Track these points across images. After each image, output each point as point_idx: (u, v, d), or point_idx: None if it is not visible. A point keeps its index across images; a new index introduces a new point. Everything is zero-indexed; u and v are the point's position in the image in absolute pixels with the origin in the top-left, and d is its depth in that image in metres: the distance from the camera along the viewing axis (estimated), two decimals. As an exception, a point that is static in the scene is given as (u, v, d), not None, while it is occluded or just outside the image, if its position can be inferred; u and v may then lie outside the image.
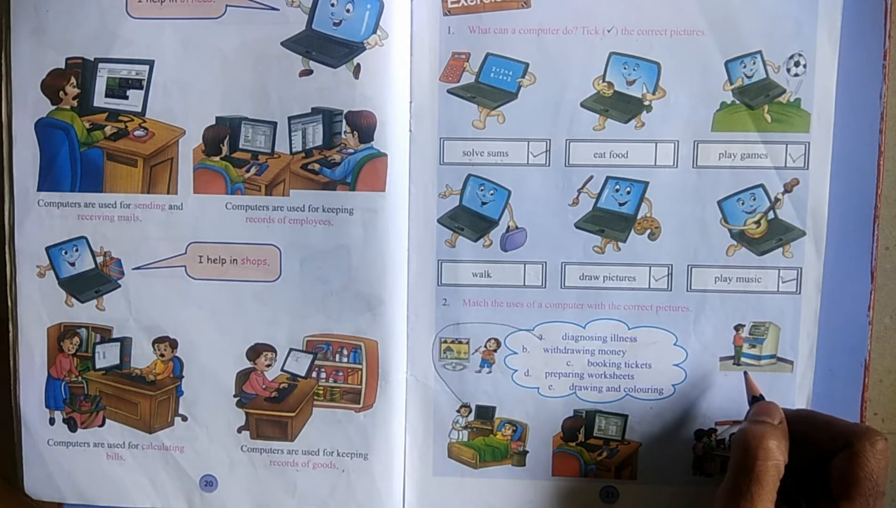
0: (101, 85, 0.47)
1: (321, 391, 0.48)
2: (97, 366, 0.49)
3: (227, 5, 0.46)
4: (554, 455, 0.48)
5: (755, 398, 0.45)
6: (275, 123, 0.46)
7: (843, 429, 0.40)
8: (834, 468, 0.39)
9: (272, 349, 0.48)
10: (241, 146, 0.47)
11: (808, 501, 0.40)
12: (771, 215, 0.46)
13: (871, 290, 0.46)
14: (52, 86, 0.47)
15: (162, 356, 0.48)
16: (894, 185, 0.47)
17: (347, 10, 0.45)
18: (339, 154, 0.46)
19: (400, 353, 0.48)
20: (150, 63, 0.47)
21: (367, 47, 0.45)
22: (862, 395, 0.47)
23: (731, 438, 0.43)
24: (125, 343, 0.49)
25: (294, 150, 0.46)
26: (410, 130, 0.47)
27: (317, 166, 0.46)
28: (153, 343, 0.48)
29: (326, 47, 0.45)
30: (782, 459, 0.39)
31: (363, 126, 0.46)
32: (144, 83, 0.47)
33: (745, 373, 0.46)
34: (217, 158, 0.47)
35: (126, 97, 0.47)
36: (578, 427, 0.48)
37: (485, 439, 0.48)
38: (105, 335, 0.49)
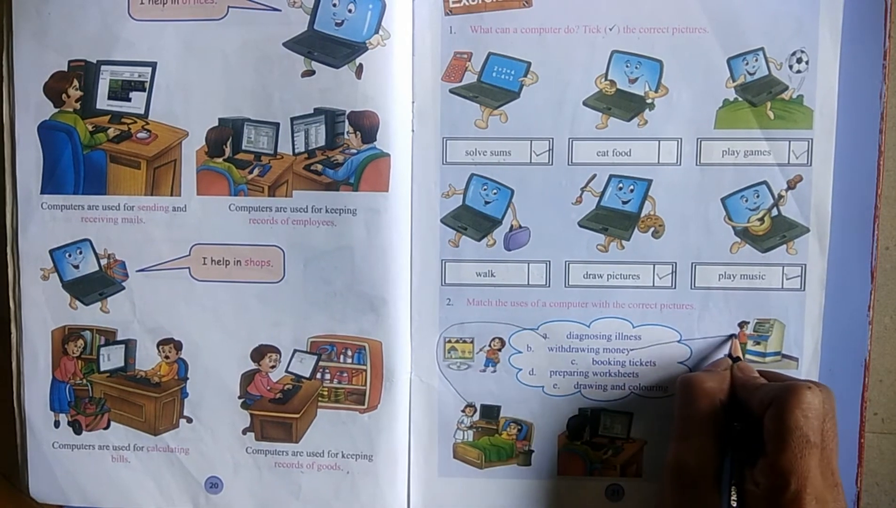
0: (103, 87, 0.47)
1: (325, 393, 0.48)
2: (102, 368, 0.49)
3: (228, 6, 0.46)
4: (559, 454, 0.48)
5: (734, 359, 0.46)
6: (277, 124, 0.46)
7: (775, 387, 0.41)
8: (765, 423, 0.39)
9: (276, 351, 0.48)
10: (243, 147, 0.47)
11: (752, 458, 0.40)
12: (774, 212, 0.46)
13: (871, 290, 0.47)
14: (54, 88, 0.47)
15: (166, 357, 0.48)
16: (894, 185, 0.47)
17: (349, 11, 0.45)
18: (341, 155, 0.46)
19: (404, 353, 0.48)
20: (153, 65, 0.47)
21: (369, 47, 0.45)
22: (862, 395, 0.47)
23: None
24: (130, 345, 0.49)
25: (297, 151, 0.47)
26: (413, 130, 0.47)
27: (319, 167, 0.46)
28: (158, 345, 0.48)
29: (328, 48, 0.45)
30: (718, 401, 0.42)
31: (366, 126, 0.46)
32: (147, 85, 0.47)
33: (734, 337, 0.47)
34: (220, 160, 0.47)
35: (129, 99, 0.47)
36: (583, 426, 0.48)
37: (490, 438, 0.48)
38: (109, 337, 0.49)
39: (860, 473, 0.48)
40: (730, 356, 0.46)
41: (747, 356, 0.47)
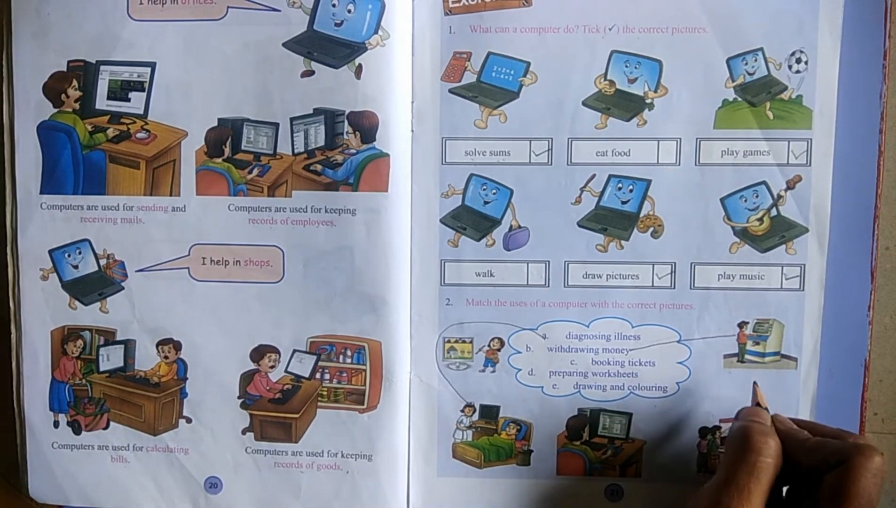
0: (102, 87, 0.47)
1: (325, 393, 0.48)
2: (101, 369, 0.49)
3: (228, 7, 0.46)
4: (559, 454, 0.48)
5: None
6: (277, 124, 0.46)
7: (838, 446, 0.39)
8: (826, 483, 0.38)
9: (276, 351, 0.48)
10: (243, 148, 0.47)
11: None
12: (774, 212, 0.46)
13: (871, 290, 0.47)
14: (54, 89, 0.47)
15: (166, 358, 0.48)
16: (894, 185, 0.47)
17: (349, 11, 0.45)
18: (341, 155, 0.46)
19: (404, 353, 0.48)
20: (152, 65, 0.47)
21: (368, 48, 0.45)
22: (862, 395, 0.47)
23: (729, 431, 0.42)
24: (129, 346, 0.49)
25: (296, 151, 0.47)
26: (412, 131, 0.47)
27: (319, 167, 0.46)
28: (157, 345, 0.48)
29: (328, 48, 0.45)
30: (778, 460, 0.39)
31: (365, 126, 0.46)
32: (146, 85, 0.47)
33: (755, 384, 0.46)
34: (219, 160, 0.47)
35: (128, 99, 0.47)
36: (583, 426, 0.48)
37: (489, 438, 0.48)
38: (109, 337, 0.49)
39: None
40: (758, 405, 0.45)
41: (746, 357, 0.47)
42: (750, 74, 0.45)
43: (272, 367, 0.48)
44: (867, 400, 0.47)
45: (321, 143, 0.46)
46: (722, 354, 0.47)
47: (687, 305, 0.47)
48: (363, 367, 0.48)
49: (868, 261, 0.46)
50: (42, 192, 0.48)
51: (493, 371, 0.48)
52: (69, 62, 0.47)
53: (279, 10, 0.46)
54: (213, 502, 0.49)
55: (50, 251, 0.48)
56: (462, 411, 0.48)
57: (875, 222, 0.46)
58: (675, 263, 0.47)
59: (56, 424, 0.49)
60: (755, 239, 0.46)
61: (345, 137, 0.46)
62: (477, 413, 0.48)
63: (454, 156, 0.47)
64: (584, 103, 0.46)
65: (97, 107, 0.47)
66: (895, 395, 0.49)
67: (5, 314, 0.49)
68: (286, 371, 0.48)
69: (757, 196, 0.46)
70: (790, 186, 0.46)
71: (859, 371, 0.47)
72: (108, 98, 0.47)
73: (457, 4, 0.46)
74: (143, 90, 0.47)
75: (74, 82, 0.47)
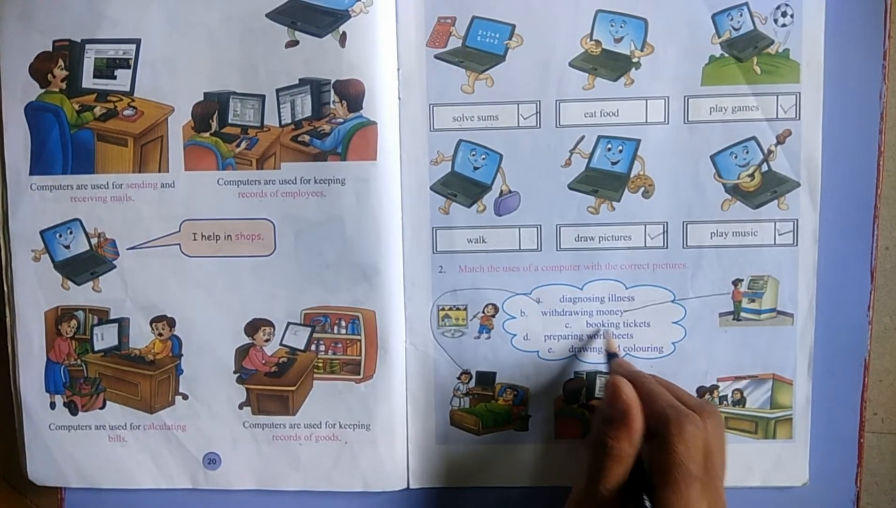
0: (88, 66, 0.47)
1: (321, 364, 0.48)
2: (96, 348, 0.49)
3: (210, -21, 0.46)
4: (556, 418, 0.48)
5: (611, 355, 0.45)
6: (263, 96, 0.46)
7: (657, 412, 0.39)
8: (647, 455, 0.38)
9: (270, 324, 0.48)
10: (230, 121, 0.47)
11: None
12: (764, 168, 0.46)
13: (871, 290, 0.47)
14: (40, 69, 0.47)
15: (160, 335, 0.48)
16: (894, 185, 0.47)
17: (331, -22, 0.45)
18: (328, 124, 0.46)
19: (398, 322, 0.47)
20: (137, 42, 0.47)
21: (352, 15, 0.45)
22: (862, 395, 0.47)
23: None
24: (123, 324, 0.48)
25: (283, 122, 0.46)
26: (399, 98, 0.46)
27: (307, 138, 0.46)
28: (151, 323, 0.48)
29: (311, 17, 0.45)
30: (630, 450, 0.39)
31: (351, 95, 0.46)
32: (132, 62, 0.47)
33: (606, 332, 0.47)
34: (207, 135, 0.47)
35: (114, 77, 0.47)
36: (580, 389, 0.48)
37: (486, 405, 0.48)
38: (102, 316, 0.48)
39: (860, 473, 0.48)
40: (607, 352, 0.45)
41: (742, 314, 0.47)
42: (736, 30, 0.45)
43: (267, 340, 0.48)
44: (867, 400, 0.47)
45: (308, 113, 0.46)
46: (717, 312, 0.47)
47: (680, 264, 0.47)
48: (358, 337, 0.47)
49: (868, 261, 0.46)
50: (31, 173, 0.48)
51: (489, 338, 0.48)
52: (55, 42, 0.47)
53: (261, -19, 0.45)
54: (212, 478, 0.49)
55: (41, 232, 0.48)
56: (458, 378, 0.48)
57: (875, 223, 0.46)
58: (666, 222, 0.47)
59: (52, 405, 0.49)
60: (747, 195, 0.46)
61: (331, 106, 0.46)
62: (473, 380, 0.48)
63: (442, 122, 0.47)
64: (570, 64, 0.46)
65: (84, 86, 0.47)
66: (895, 395, 0.48)
67: (-2, 297, 0.49)
68: (281, 344, 0.48)
69: (747, 152, 0.46)
70: (780, 140, 0.46)
71: (859, 371, 0.47)
72: (95, 77, 0.47)
73: (439, -31, 0.45)
74: (128, 67, 0.47)
75: (60, 62, 0.47)
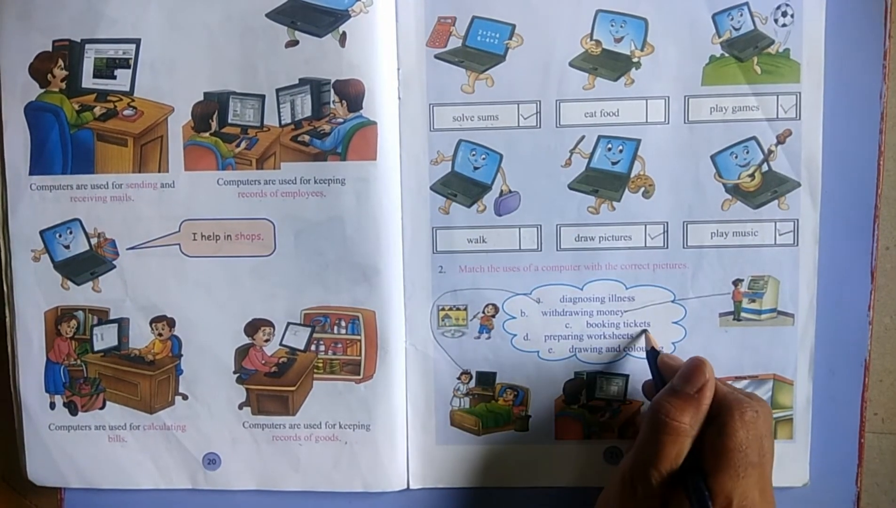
0: (88, 66, 0.47)
1: (321, 364, 0.48)
2: (95, 348, 0.49)
3: (210, -21, 0.46)
4: (556, 419, 0.48)
5: (652, 352, 0.45)
6: (263, 96, 0.46)
7: (718, 397, 0.39)
8: (704, 440, 0.38)
9: (270, 324, 0.48)
10: (230, 121, 0.47)
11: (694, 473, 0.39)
12: (765, 168, 0.46)
13: (871, 290, 0.46)
14: (40, 69, 0.47)
15: (160, 335, 0.48)
16: (894, 185, 0.47)
17: (331, -23, 0.45)
18: (328, 124, 0.46)
19: (398, 322, 0.47)
20: (137, 42, 0.47)
21: (352, 15, 0.45)
22: (862, 395, 0.47)
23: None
24: (123, 324, 0.48)
25: (283, 122, 0.46)
26: (399, 98, 0.46)
27: (307, 138, 0.46)
28: (151, 323, 0.48)
29: (311, 16, 0.45)
30: (691, 430, 0.39)
31: (351, 95, 0.46)
32: (132, 62, 0.47)
33: (646, 331, 0.47)
34: (207, 134, 0.47)
35: (114, 77, 0.47)
36: (580, 390, 0.48)
37: (486, 405, 0.48)
38: (102, 316, 0.48)
39: (860, 473, 0.48)
40: (649, 350, 0.45)
41: (743, 315, 0.47)
42: (736, 29, 0.45)
43: (267, 341, 0.48)
44: (867, 400, 0.47)
45: (308, 113, 0.46)
46: (717, 313, 0.47)
47: (680, 264, 0.47)
48: (358, 337, 0.47)
49: (868, 261, 0.46)
50: (31, 173, 0.48)
51: (489, 338, 0.48)
52: (54, 42, 0.47)
53: (261, -19, 0.45)
54: (211, 478, 0.49)
55: (41, 232, 0.48)
56: (458, 378, 0.48)
57: (875, 223, 0.46)
58: (667, 222, 0.46)
59: (52, 405, 0.49)
60: (747, 195, 0.46)
61: (331, 106, 0.46)
62: (473, 380, 0.48)
63: (442, 122, 0.46)
64: (570, 64, 0.46)
65: (83, 86, 0.47)
66: (895, 395, 0.48)
67: (-2, 297, 0.49)
68: (281, 344, 0.48)
69: (747, 152, 0.46)
70: (780, 140, 0.46)
71: (859, 371, 0.47)
72: (94, 76, 0.47)
73: (439, -31, 0.45)
74: (128, 67, 0.47)
75: (60, 62, 0.47)
